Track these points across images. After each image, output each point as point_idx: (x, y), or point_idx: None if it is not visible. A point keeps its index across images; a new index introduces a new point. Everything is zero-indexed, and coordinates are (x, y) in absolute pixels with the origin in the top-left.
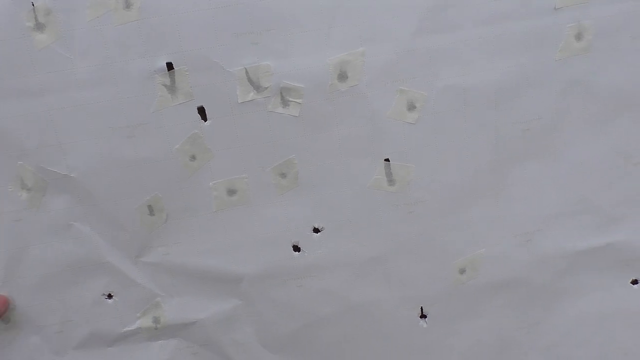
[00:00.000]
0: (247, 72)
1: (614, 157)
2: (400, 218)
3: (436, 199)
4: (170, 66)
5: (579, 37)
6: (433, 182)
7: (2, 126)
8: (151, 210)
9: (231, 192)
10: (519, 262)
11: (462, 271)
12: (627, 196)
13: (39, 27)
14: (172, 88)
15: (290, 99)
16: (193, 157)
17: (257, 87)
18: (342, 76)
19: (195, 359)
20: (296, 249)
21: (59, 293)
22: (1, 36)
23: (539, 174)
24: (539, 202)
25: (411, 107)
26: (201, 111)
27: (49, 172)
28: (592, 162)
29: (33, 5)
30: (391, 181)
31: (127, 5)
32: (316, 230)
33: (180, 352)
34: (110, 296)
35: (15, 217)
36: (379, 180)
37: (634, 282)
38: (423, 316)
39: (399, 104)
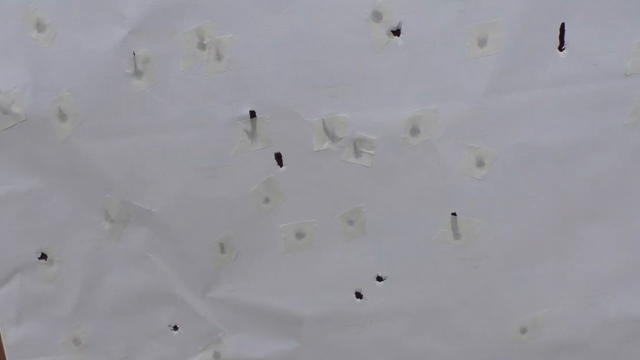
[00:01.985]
0: (324, 122)
1: None
2: (464, 272)
3: (501, 255)
4: (253, 114)
5: None
6: (499, 238)
7: (95, 161)
8: (222, 247)
9: (300, 235)
10: (583, 325)
11: (523, 330)
12: None
13: (137, 73)
14: (252, 134)
15: (363, 150)
16: (267, 200)
17: (332, 137)
18: (415, 131)
19: None
20: (358, 295)
21: (127, 320)
22: (103, 81)
23: (605, 236)
24: (604, 264)
25: (480, 163)
26: (278, 157)
27: (132, 205)
28: None
29: (134, 54)
30: (457, 235)
31: (218, 57)
32: (379, 279)
33: None
34: (175, 328)
35: (96, 245)
36: (444, 234)
37: None
38: None
39: (468, 160)
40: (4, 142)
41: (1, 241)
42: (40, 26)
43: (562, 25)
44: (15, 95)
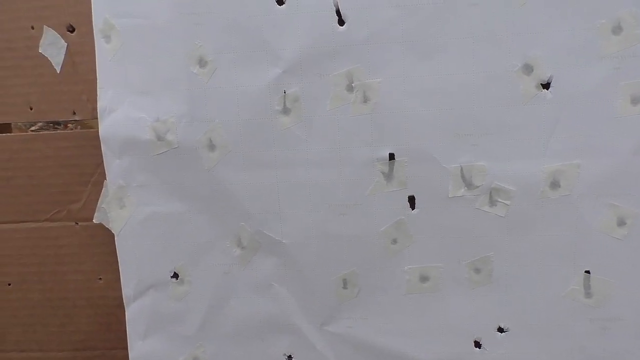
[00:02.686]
0: (462, 170)
1: None
2: (593, 333)
3: (636, 318)
4: (392, 156)
5: None
6: (634, 301)
7: (235, 190)
8: (345, 283)
9: (424, 278)
10: None
11: None
12: None
13: (285, 111)
14: (389, 176)
15: (499, 200)
16: (395, 241)
17: (469, 185)
18: (555, 185)
19: None
20: (477, 345)
21: (246, 345)
22: (253, 116)
23: None
24: None
25: (621, 222)
26: (411, 200)
27: (265, 235)
28: None
29: (284, 92)
30: (588, 294)
31: (365, 100)
32: (501, 330)
33: None
34: (290, 357)
35: (225, 269)
36: (575, 291)
37: None
38: None
39: (608, 218)
40: (155, 166)
41: (140, 258)
42: (202, 62)
43: None
44: (171, 124)
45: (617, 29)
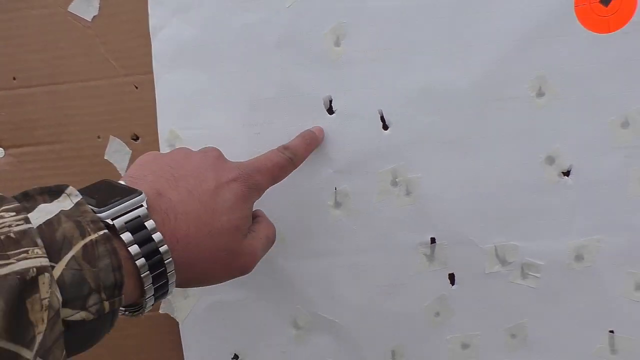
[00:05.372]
0: (496, 249)
1: None
2: None
3: None
4: (433, 240)
5: None
6: None
7: (292, 278)
8: (394, 354)
9: (465, 346)
10: None
11: None
12: None
13: (337, 205)
14: (430, 257)
15: (530, 273)
16: (437, 314)
17: (503, 262)
18: (579, 258)
19: None
20: None
21: None
22: (308, 211)
23: None
24: None
25: (638, 287)
26: (451, 277)
27: (320, 316)
28: None
29: (335, 189)
30: (614, 351)
31: (408, 193)
32: None
33: None
34: None
35: (282, 349)
36: (602, 349)
37: None
38: None
39: (627, 284)
40: None
41: (203, 343)
42: None
43: None
44: None
45: (625, 124)
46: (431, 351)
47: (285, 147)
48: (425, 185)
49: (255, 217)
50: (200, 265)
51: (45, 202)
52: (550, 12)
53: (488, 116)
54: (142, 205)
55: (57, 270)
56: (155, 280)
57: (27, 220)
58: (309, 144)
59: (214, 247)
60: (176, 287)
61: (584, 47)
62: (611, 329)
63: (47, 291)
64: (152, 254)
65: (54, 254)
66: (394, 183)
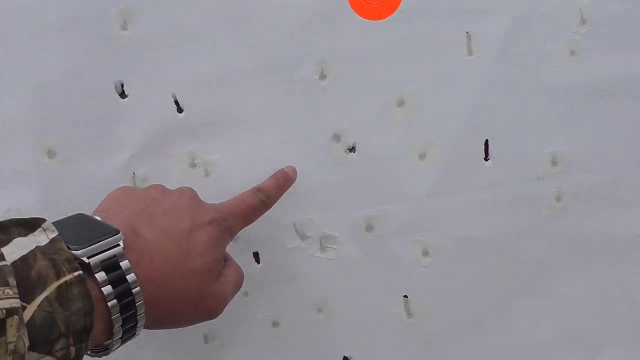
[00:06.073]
0: (295, 224)
1: (598, 294)
2: (419, 347)
3: (449, 330)
4: None
5: (559, 199)
6: (446, 315)
7: None
8: (206, 338)
9: (275, 323)
10: None
11: None
12: (609, 329)
13: None
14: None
15: (328, 245)
16: (246, 294)
17: (302, 236)
18: (369, 227)
19: None
20: None
21: None
22: None
23: (535, 309)
24: (536, 334)
25: (425, 253)
26: (255, 255)
27: None
28: (574, 296)
29: (134, 174)
30: (409, 314)
31: (207, 174)
32: (346, 359)
33: None
34: None
35: None
36: (398, 314)
37: None
38: None
39: (415, 251)
40: None
41: None
42: (50, 153)
43: (486, 141)
44: (25, 211)
45: (400, 103)
46: (246, 332)
47: (258, 189)
48: (223, 166)
49: (225, 260)
50: (171, 305)
51: (20, 235)
52: (325, 1)
53: (277, 98)
54: (118, 245)
55: (29, 311)
56: (124, 322)
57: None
58: (282, 185)
59: (186, 288)
60: (144, 327)
61: (359, 33)
62: (405, 294)
63: (14, 334)
64: (124, 294)
65: (27, 294)
66: (193, 165)
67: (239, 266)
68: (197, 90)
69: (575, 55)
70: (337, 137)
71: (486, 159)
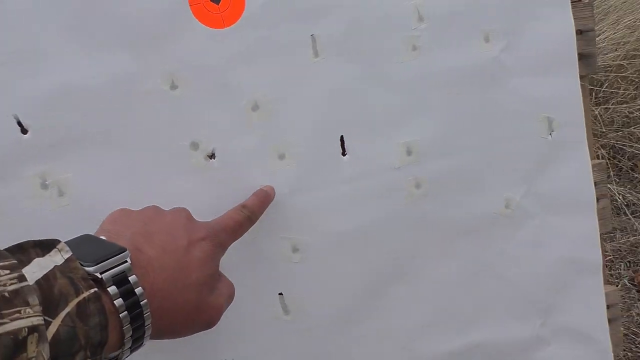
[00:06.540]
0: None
1: (465, 272)
2: (298, 341)
3: (326, 323)
4: None
5: (418, 186)
6: (322, 308)
7: None
8: None
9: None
10: None
11: None
12: (480, 303)
13: None
14: None
15: None
16: None
17: None
18: None
19: None
20: None
21: None
22: None
23: (408, 293)
24: (411, 317)
25: (295, 249)
26: None
27: None
28: (444, 277)
29: None
30: (287, 311)
31: (61, 194)
32: None
33: None
34: None
35: None
36: (276, 311)
37: None
38: None
39: (285, 248)
40: None
41: None
42: None
43: (342, 137)
44: None
45: (255, 107)
46: None
47: (243, 206)
48: (78, 184)
49: (218, 275)
50: (172, 317)
51: (38, 255)
52: (165, 11)
53: (129, 110)
54: (126, 261)
55: (54, 326)
56: (134, 332)
57: (20, 279)
58: (263, 202)
59: (184, 300)
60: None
61: (205, 42)
62: (280, 292)
63: (34, 350)
64: (133, 306)
65: (51, 310)
66: (45, 186)
67: (229, 280)
68: (43, 109)
69: (417, 50)
70: (195, 145)
71: (344, 154)
